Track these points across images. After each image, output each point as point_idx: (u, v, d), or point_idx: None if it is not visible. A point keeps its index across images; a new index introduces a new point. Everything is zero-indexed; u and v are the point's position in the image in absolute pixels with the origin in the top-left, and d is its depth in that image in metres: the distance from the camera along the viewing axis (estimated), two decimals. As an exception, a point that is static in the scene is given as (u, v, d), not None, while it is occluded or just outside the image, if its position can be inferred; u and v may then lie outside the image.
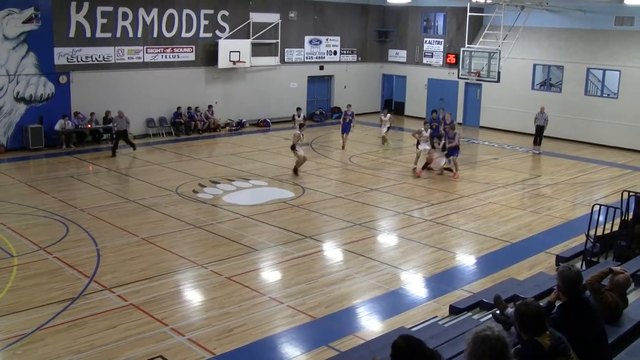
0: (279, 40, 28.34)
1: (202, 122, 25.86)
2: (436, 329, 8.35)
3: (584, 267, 10.64)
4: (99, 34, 23.03)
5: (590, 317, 5.42)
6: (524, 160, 22.78)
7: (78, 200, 16.13)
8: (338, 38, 30.90)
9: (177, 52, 25.37)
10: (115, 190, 17.18)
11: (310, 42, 29.94)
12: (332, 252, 13.06)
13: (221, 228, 14.05)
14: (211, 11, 26.11)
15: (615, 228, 11.26)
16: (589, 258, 11.02)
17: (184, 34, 25.41)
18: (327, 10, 30.16)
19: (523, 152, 23.95)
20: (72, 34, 22.42)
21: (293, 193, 17.13)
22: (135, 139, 22.84)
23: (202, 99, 26.16)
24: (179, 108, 25.31)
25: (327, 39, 30.53)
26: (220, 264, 11.84)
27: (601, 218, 11.34)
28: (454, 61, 28.88)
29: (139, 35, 24.09)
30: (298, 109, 23.83)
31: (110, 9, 23.22)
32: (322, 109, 30.77)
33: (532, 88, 27.48)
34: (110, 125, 22.49)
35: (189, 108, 25.70)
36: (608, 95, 25.72)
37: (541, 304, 5.26)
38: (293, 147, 18.97)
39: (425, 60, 30.95)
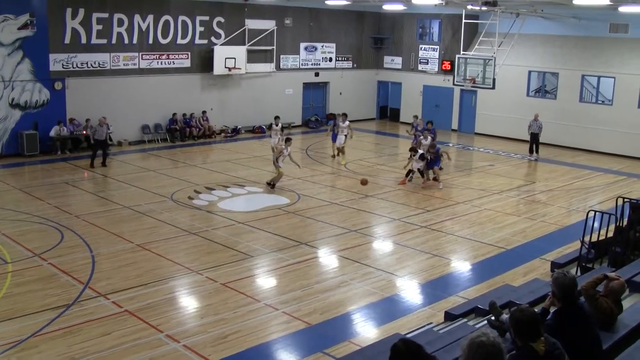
0: (274, 47, 28.39)
1: (197, 129, 25.86)
2: (431, 335, 8.33)
3: (578, 273, 10.66)
4: (94, 40, 23.05)
5: (584, 323, 5.43)
6: (519, 167, 22.81)
7: (73, 206, 16.09)
8: (333, 45, 30.95)
9: (173, 59, 25.38)
10: (110, 196, 17.15)
11: (306, 48, 29.99)
12: (328, 258, 13.06)
13: (216, 234, 14.04)
14: (207, 18, 26.14)
15: (610, 234, 11.31)
16: (583, 264, 11.05)
17: (179, 41, 25.44)
18: (323, 17, 30.22)
19: (518, 159, 24.00)
20: (67, 40, 22.46)
21: (288, 200, 17.12)
22: (130, 145, 22.77)
23: (198, 106, 26.15)
24: (174, 114, 25.29)
25: (322, 46, 30.58)
26: (216, 270, 11.82)
27: (596, 224, 11.35)
28: (449, 68, 28.94)
29: (135, 41, 24.11)
30: (276, 118, 21.73)
31: (105, 15, 23.24)
32: (317, 116, 30.82)
33: (527, 95, 27.55)
34: (88, 133, 21.53)
35: (185, 114, 25.71)
36: (603, 102, 25.83)
37: (536, 310, 5.28)
38: (276, 162, 18.12)
39: (420, 67, 31.01)
